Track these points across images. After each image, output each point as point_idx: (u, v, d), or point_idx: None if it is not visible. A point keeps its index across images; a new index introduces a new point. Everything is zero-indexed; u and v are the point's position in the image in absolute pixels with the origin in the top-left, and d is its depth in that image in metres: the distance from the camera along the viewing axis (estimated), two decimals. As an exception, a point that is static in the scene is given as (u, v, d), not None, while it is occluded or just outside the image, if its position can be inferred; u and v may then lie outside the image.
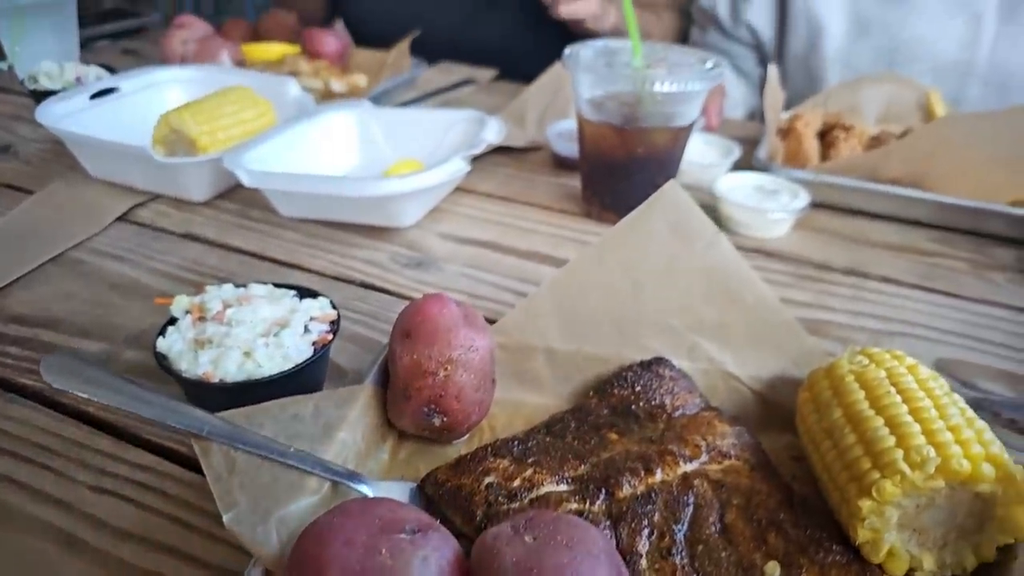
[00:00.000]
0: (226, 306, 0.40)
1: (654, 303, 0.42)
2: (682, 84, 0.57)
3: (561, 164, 0.74)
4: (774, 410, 0.41)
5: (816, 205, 0.67)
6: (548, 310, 0.42)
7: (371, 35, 1.17)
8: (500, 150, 0.76)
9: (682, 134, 0.61)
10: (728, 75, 1.07)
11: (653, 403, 0.39)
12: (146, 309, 0.49)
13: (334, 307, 0.42)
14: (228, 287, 0.42)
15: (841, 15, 0.96)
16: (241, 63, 0.84)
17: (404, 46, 0.90)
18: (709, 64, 0.60)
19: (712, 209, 0.65)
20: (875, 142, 0.72)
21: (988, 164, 0.61)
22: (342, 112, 0.68)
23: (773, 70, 0.75)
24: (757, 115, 1.09)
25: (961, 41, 0.90)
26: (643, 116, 0.59)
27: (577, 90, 0.60)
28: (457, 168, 0.56)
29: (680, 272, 0.42)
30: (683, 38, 1.18)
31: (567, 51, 0.61)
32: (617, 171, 0.62)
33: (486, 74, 1.02)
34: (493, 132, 0.62)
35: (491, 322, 0.46)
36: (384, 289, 0.53)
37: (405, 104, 0.87)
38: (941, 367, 0.48)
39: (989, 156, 0.61)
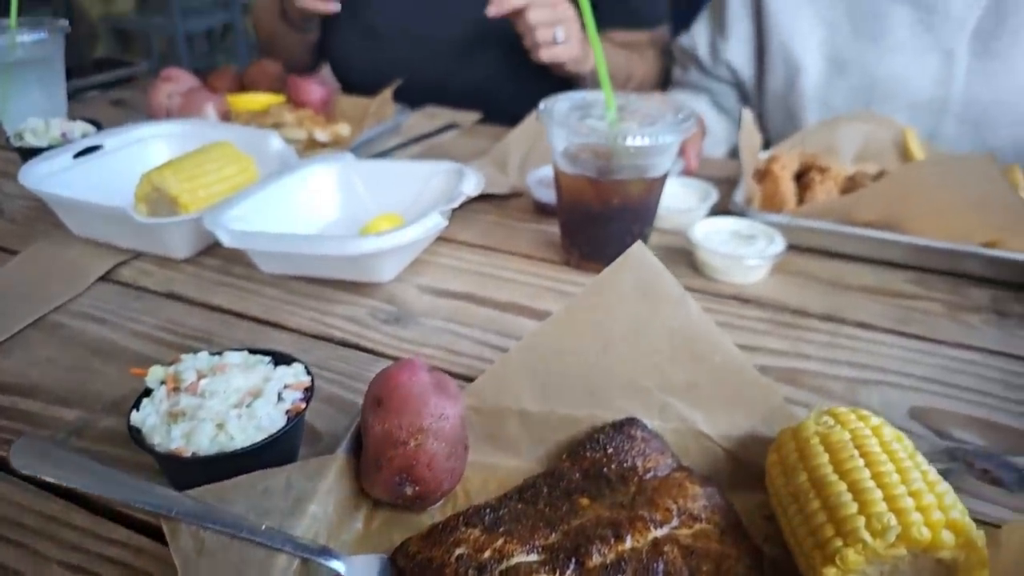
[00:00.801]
0: (200, 376, 0.40)
1: (625, 364, 0.42)
2: (653, 138, 0.58)
3: (542, 210, 0.75)
4: (745, 469, 0.41)
5: (793, 248, 0.68)
6: (521, 372, 0.43)
7: (357, 79, 1.19)
8: (482, 197, 0.77)
9: (656, 184, 0.62)
10: (709, 112, 1.08)
11: (625, 465, 0.40)
12: (125, 374, 0.49)
13: (308, 373, 0.42)
14: (203, 355, 0.42)
15: (818, 54, 0.98)
16: (227, 114, 0.85)
17: (387, 94, 0.92)
18: (680, 116, 0.61)
19: (690, 255, 0.66)
20: (851, 183, 0.73)
21: (959, 207, 0.62)
22: (323, 166, 0.69)
23: (748, 114, 0.76)
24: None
25: (935, 78, 0.91)
26: (617, 168, 0.60)
27: (552, 143, 0.61)
28: (434, 224, 0.57)
29: (649, 333, 0.42)
30: (666, 76, 1.20)
31: (542, 105, 0.62)
32: (594, 221, 0.63)
33: (470, 117, 1.03)
34: (471, 184, 0.63)
35: (467, 380, 0.47)
36: (362, 347, 0.54)
37: (390, 151, 0.89)
38: (915, 416, 0.49)
39: (959, 200, 0.62)
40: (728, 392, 0.42)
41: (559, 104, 0.63)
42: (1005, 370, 0.54)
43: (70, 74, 0.96)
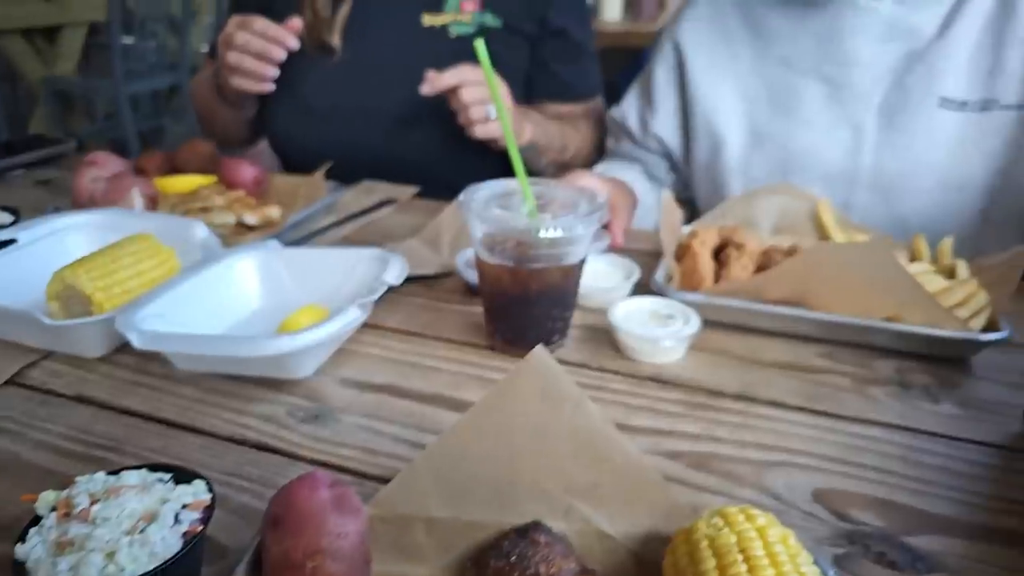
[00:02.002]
0: (93, 501, 0.39)
1: (529, 467, 0.43)
2: (567, 230, 0.60)
3: (471, 291, 0.76)
4: (648, 568, 0.42)
5: (712, 325, 0.70)
6: (427, 479, 0.43)
7: (296, 156, 1.20)
8: (412, 278, 0.77)
9: (574, 269, 0.64)
10: (642, 182, 1.12)
11: (528, 572, 0.40)
12: (20, 493, 0.48)
13: (209, 490, 0.42)
14: (99, 477, 0.41)
15: (738, 127, 1.03)
16: (155, 198, 0.85)
17: (318, 175, 0.93)
18: (592, 206, 0.63)
19: (613, 335, 0.67)
20: (765, 258, 0.76)
21: (859, 286, 0.65)
22: (246, 256, 0.69)
23: (667, 193, 0.79)
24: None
25: (846, 150, 0.96)
26: (534, 257, 0.61)
27: (471, 232, 0.63)
28: (352, 318, 0.58)
29: (551, 436, 0.43)
30: (602, 146, 1.24)
31: (461, 196, 0.64)
32: (515, 307, 0.64)
33: (407, 192, 1.05)
34: (393, 273, 0.64)
35: (383, 481, 0.47)
36: (277, 449, 0.53)
37: (323, 230, 0.89)
38: (818, 498, 0.50)
39: (858, 280, 0.65)
40: (630, 491, 0.43)
41: (479, 194, 0.65)
42: (905, 445, 0.56)
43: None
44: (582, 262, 0.65)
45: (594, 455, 0.43)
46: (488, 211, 0.61)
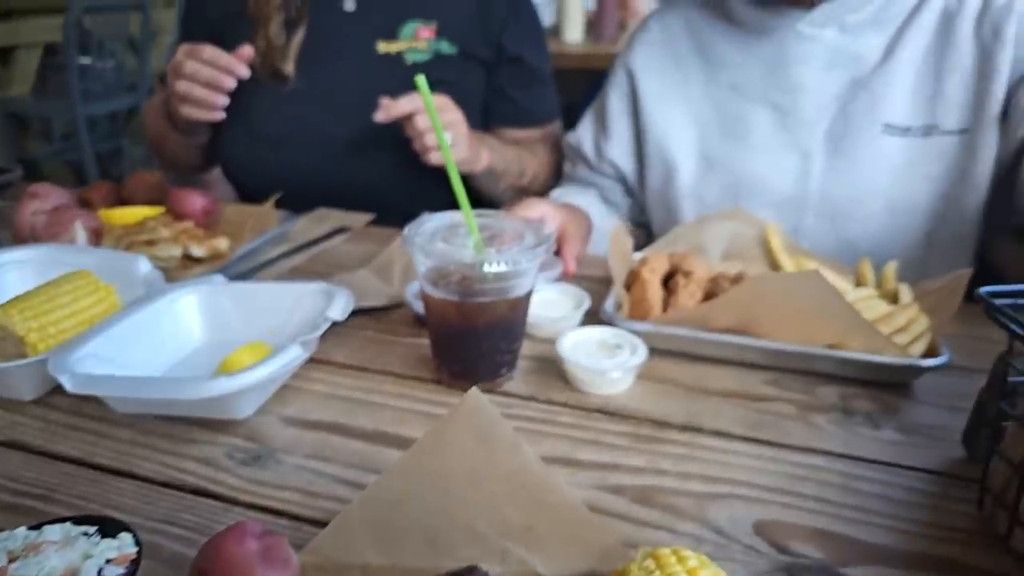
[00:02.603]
0: (11, 559, 0.38)
1: (464, 511, 0.43)
2: (513, 263, 0.60)
3: (420, 323, 0.76)
4: (585, 612, 0.42)
5: (660, 353, 0.71)
6: (362, 525, 0.43)
7: (251, 183, 1.19)
8: (361, 309, 0.77)
9: (521, 302, 0.64)
10: (598, 207, 1.13)
11: (463, 619, 0.40)
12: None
13: (137, 543, 0.41)
14: (19, 532, 0.40)
15: (690, 153, 1.04)
16: (99, 230, 0.84)
17: (268, 205, 0.92)
18: (538, 238, 0.63)
19: (560, 367, 0.67)
20: (713, 285, 0.77)
21: (800, 315, 0.66)
22: (189, 291, 0.68)
23: (618, 222, 0.80)
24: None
25: (794, 176, 0.98)
26: (479, 291, 0.61)
27: (416, 266, 0.63)
28: (293, 356, 0.57)
29: (486, 479, 0.43)
30: (559, 170, 1.25)
31: (406, 230, 0.64)
32: (461, 341, 0.64)
33: (362, 219, 1.04)
34: (338, 309, 0.63)
35: (322, 525, 0.46)
36: (214, 494, 0.52)
37: (273, 260, 0.88)
38: (759, 531, 0.51)
39: (799, 309, 0.66)
40: (565, 533, 0.43)
41: (423, 227, 0.64)
42: (845, 473, 0.56)
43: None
44: (529, 294, 0.65)
45: (529, 497, 0.43)
46: (432, 245, 0.61)
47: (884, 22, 0.96)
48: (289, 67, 1.13)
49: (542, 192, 1.19)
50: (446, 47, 1.18)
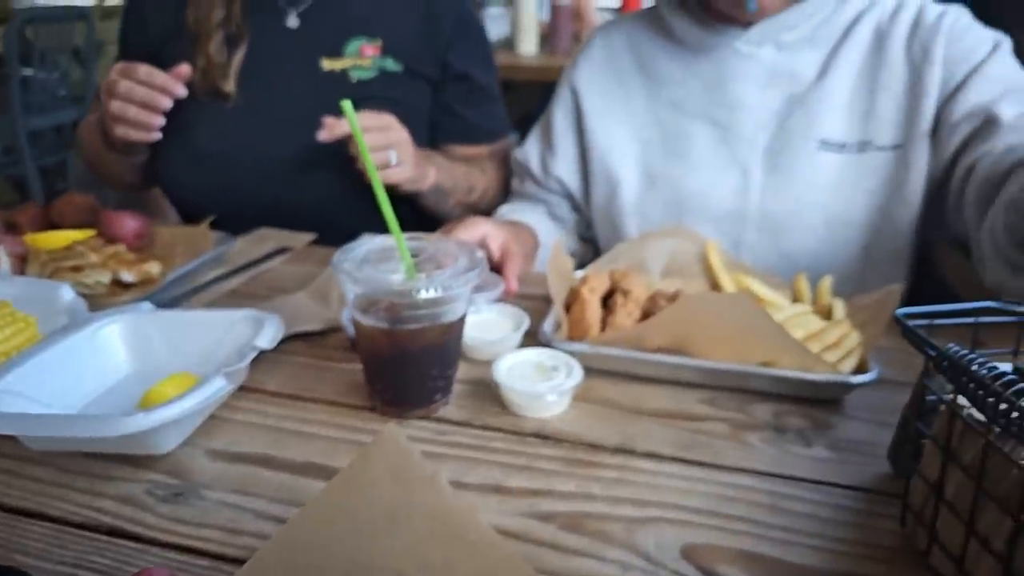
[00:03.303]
0: None
1: (382, 550, 0.42)
2: (444, 289, 0.60)
3: (356, 348, 0.75)
4: (504, 649, 0.41)
5: (597, 374, 0.71)
6: (276, 568, 0.42)
7: (192, 203, 1.17)
8: (296, 335, 0.76)
9: (453, 327, 0.64)
10: (546, 223, 1.13)
11: (378, 663, 0.39)
12: None
13: (36, 595, 0.39)
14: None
15: (633, 169, 1.05)
16: (24, 256, 0.81)
17: (203, 227, 0.90)
18: (470, 262, 0.63)
19: (497, 391, 0.67)
20: (651, 303, 0.78)
21: (732, 335, 0.67)
22: (114, 320, 0.66)
23: (555, 242, 0.79)
24: (577, 258, 1.15)
25: (734, 192, 1.00)
26: (410, 318, 0.60)
27: (345, 294, 0.62)
28: (216, 389, 0.56)
29: (403, 516, 0.42)
30: (509, 186, 1.24)
31: (335, 256, 0.63)
32: (393, 368, 0.63)
33: (304, 239, 1.03)
34: (267, 338, 0.62)
35: (243, 564, 0.45)
36: (131, 534, 0.51)
37: (208, 284, 0.86)
38: (686, 555, 0.51)
39: (730, 328, 0.66)
40: (485, 569, 0.42)
41: (353, 253, 0.64)
42: (775, 493, 0.57)
43: None
44: (462, 318, 0.64)
45: (448, 534, 0.42)
46: (361, 271, 0.60)
47: (819, 41, 0.98)
48: (230, 85, 1.11)
49: (491, 208, 1.19)
50: (391, 65, 1.17)
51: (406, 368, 0.62)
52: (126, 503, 0.53)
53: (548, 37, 2.50)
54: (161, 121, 1.00)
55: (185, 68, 1.02)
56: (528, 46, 2.47)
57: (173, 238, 0.91)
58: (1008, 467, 0.43)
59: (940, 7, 0.97)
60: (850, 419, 0.67)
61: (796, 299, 0.83)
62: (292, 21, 1.16)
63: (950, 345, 0.46)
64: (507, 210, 1.14)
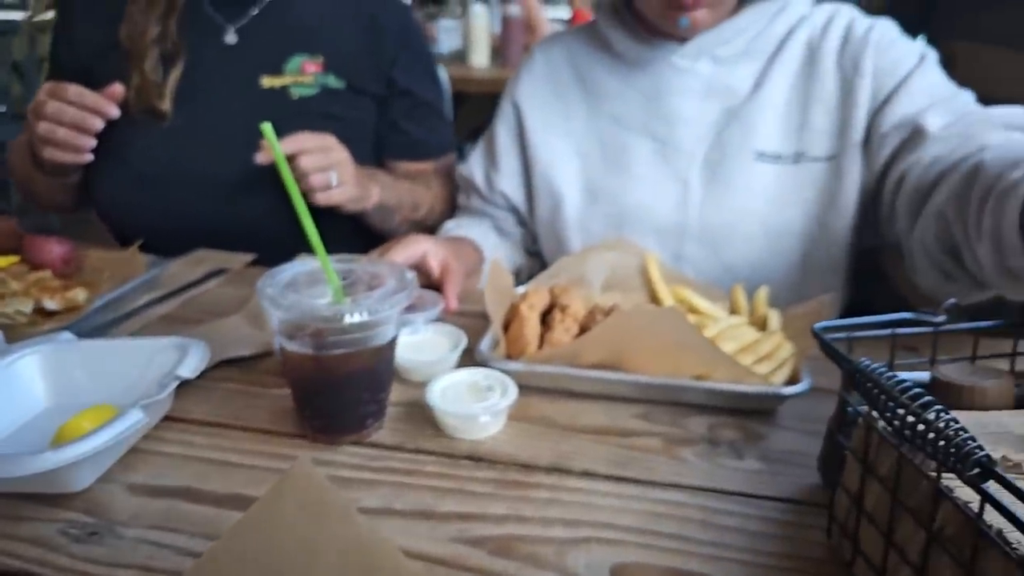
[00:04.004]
0: None
1: (294, 587, 0.41)
2: (373, 312, 0.59)
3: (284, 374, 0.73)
4: None
5: (534, 391, 0.70)
6: (183, 610, 0.40)
7: (130, 225, 1.14)
8: (229, 360, 0.74)
9: (383, 351, 0.63)
10: (493, 238, 1.13)
11: None
12: None
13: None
14: None
15: (575, 184, 1.06)
16: (-58, 286, 0.78)
17: (132, 250, 0.88)
18: (400, 283, 0.62)
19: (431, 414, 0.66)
20: (589, 318, 0.78)
21: (664, 350, 0.67)
22: (33, 351, 0.64)
23: (494, 260, 0.79)
24: (523, 272, 1.15)
25: (674, 204, 1.01)
26: (337, 343, 0.59)
27: (270, 320, 0.61)
28: (133, 422, 0.54)
29: (317, 551, 0.41)
30: (454, 202, 1.24)
31: (259, 282, 0.61)
32: (323, 395, 0.62)
33: (242, 259, 1.01)
34: (190, 367, 0.61)
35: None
36: (40, 578, 0.49)
37: (138, 309, 0.84)
38: (616, 575, 0.50)
39: (662, 343, 0.67)
40: (401, 603, 0.41)
41: (278, 278, 0.62)
42: (706, 508, 0.57)
43: None
44: (393, 340, 0.64)
45: (362, 566, 0.41)
46: (286, 297, 0.59)
47: (754, 54, 1.00)
48: (165, 104, 1.09)
49: (438, 224, 1.18)
50: (333, 81, 1.16)
51: (336, 394, 0.61)
52: (37, 544, 0.51)
53: (500, 50, 2.51)
54: (92, 143, 0.97)
55: (118, 87, 1.00)
56: (480, 58, 2.48)
57: (104, 263, 0.88)
58: (919, 479, 0.43)
59: (869, 21, 0.99)
60: (783, 430, 0.68)
61: (733, 310, 0.84)
62: (230, 38, 1.14)
63: (862, 359, 0.47)
64: (453, 225, 1.13)
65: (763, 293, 0.84)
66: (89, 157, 0.98)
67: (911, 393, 0.42)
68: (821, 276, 1.00)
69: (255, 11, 1.15)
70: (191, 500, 0.56)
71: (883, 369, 0.45)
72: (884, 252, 1.07)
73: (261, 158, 0.95)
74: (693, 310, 0.82)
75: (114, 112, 0.97)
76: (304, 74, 1.15)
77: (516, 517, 0.56)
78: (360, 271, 0.64)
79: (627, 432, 0.66)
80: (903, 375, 0.56)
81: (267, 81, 1.14)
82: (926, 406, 0.41)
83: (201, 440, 0.64)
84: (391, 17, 1.21)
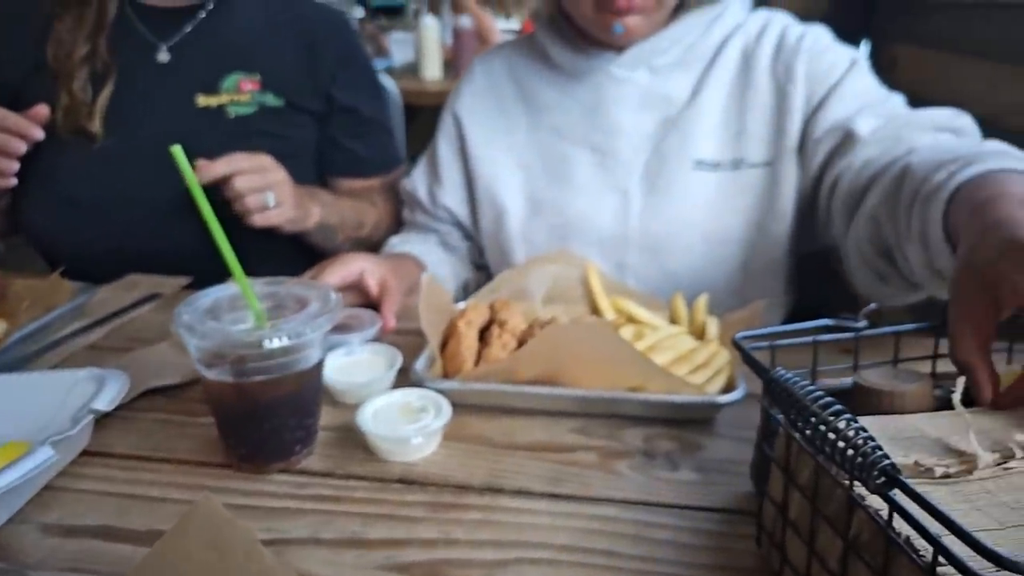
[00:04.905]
0: None
1: (198, 629, 0.39)
2: (295, 336, 0.57)
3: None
4: None
5: (471, 409, 0.70)
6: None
7: (62, 251, 1.10)
8: (155, 389, 0.72)
9: (308, 375, 0.61)
10: (439, 252, 1.12)
11: None
12: None
13: None
14: None
15: (518, 197, 1.05)
16: None
17: (54, 277, 0.85)
18: (324, 306, 0.61)
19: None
20: (528, 333, 0.77)
21: (601, 361, 0.67)
22: (-61, 390, 0.61)
23: (426, 277, 0.78)
24: (471, 286, 1.14)
25: (615, 215, 1.01)
26: (261, 369, 0.58)
27: (188, 349, 0.59)
28: (41, 460, 0.52)
29: (221, 591, 0.40)
30: (401, 218, 1.23)
31: (176, 309, 0.60)
32: (246, 423, 0.60)
33: (177, 284, 0.99)
34: (106, 399, 0.59)
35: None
36: (-64, 631, 0.46)
37: (64, 339, 0.81)
38: (545, 597, 0.50)
39: (596, 356, 0.66)
40: (312, 640, 0.40)
41: (197, 304, 0.61)
42: (638, 521, 0.57)
43: None
44: (319, 364, 0.62)
45: (271, 605, 0.40)
46: (203, 324, 0.57)
47: (690, 63, 1.01)
48: (95, 125, 1.06)
49: (385, 241, 1.17)
50: (271, 99, 1.14)
51: (259, 422, 0.59)
52: (-64, 595, 0.49)
53: (452, 61, 2.51)
54: (16, 166, 0.94)
55: (42, 109, 0.97)
56: (432, 71, 2.47)
57: (29, 292, 0.85)
58: (835, 488, 0.43)
59: (801, 28, 1.01)
60: (720, 438, 0.68)
61: (673, 319, 0.85)
62: (163, 56, 1.12)
63: (777, 368, 0.47)
64: (398, 241, 1.12)
65: (702, 301, 0.85)
66: (13, 181, 0.95)
67: (821, 402, 0.42)
68: (762, 281, 1.01)
69: (188, 28, 1.13)
70: (108, 539, 0.54)
71: (796, 378, 0.45)
72: (832, 255, 1.08)
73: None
74: (633, 320, 0.82)
75: (38, 134, 0.94)
76: (241, 92, 1.13)
77: (446, 541, 0.55)
78: (284, 294, 0.63)
79: (564, 447, 0.66)
80: (826, 383, 0.56)
81: (203, 100, 1.11)
82: (836, 414, 0.41)
83: (122, 475, 0.61)
84: (329, 33, 1.20)
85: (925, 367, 0.58)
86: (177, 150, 0.58)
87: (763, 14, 1.04)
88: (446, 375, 0.73)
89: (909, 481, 0.42)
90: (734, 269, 1.01)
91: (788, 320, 0.97)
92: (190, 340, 0.57)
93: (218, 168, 0.95)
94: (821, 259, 1.03)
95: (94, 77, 1.08)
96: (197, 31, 1.13)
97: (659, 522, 0.57)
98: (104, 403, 0.58)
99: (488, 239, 1.09)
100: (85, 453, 0.62)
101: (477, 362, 0.74)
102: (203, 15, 1.14)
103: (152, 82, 1.11)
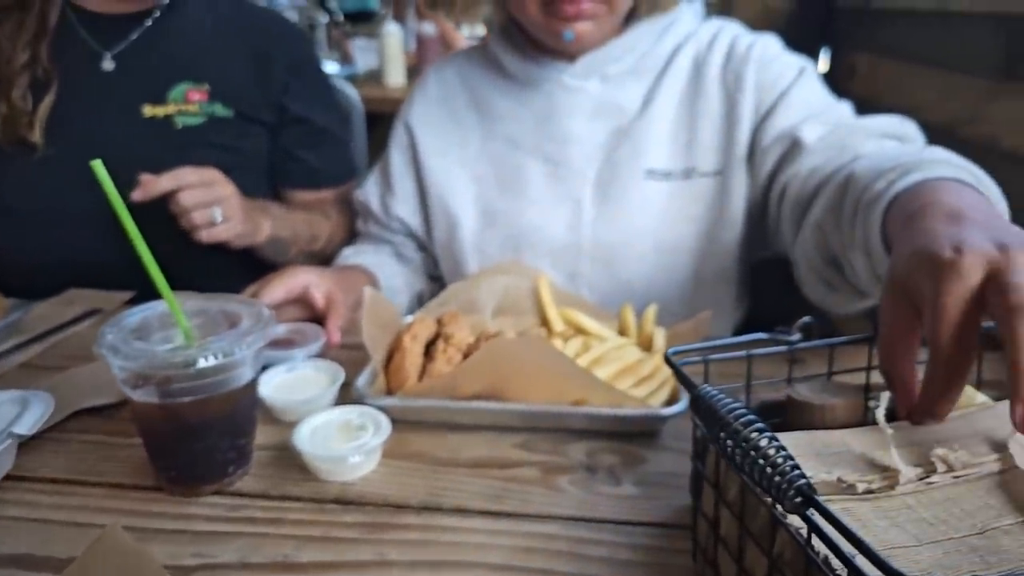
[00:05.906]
0: None
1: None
2: (225, 355, 0.56)
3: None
4: None
5: (413, 426, 0.69)
6: None
7: (1, 264, 1.07)
8: (89, 409, 0.70)
9: (239, 394, 0.60)
10: (392, 264, 1.10)
11: None
12: None
13: None
14: None
15: (471, 208, 1.05)
16: None
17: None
18: (255, 323, 0.60)
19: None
20: (475, 347, 0.76)
21: (542, 376, 0.66)
22: None
23: (370, 291, 0.77)
24: (425, 297, 1.13)
25: (568, 225, 1.01)
26: (189, 390, 0.56)
27: (112, 370, 0.57)
28: (-48, 490, 0.50)
29: (127, 627, 0.38)
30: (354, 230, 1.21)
31: (100, 329, 0.58)
32: (175, 445, 0.58)
33: (119, 299, 0.96)
34: (27, 423, 0.57)
35: None
36: None
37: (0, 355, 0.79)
38: (478, 620, 0.49)
39: (537, 370, 0.66)
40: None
41: (122, 323, 0.59)
42: (576, 538, 0.56)
43: None
44: (252, 383, 0.61)
45: (180, 640, 0.39)
46: (128, 345, 0.56)
47: (642, 72, 1.01)
48: (36, 134, 1.03)
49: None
50: (220, 110, 1.12)
51: (189, 443, 0.58)
52: None
53: (414, 70, 2.50)
54: (-50, 179, 0.91)
55: (-23, 120, 0.94)
56: (396, 77, 2.46)
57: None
58: (759, 506, 0.43)
59: (751, 37, 1.01)
60: (663, 451, 0.67)
61: (622, 330, 0.84)
62: (107, 64, 1.09)
63: (703, 385, 0.46)
64: (351, 252, 1.11)
65: (651, 312, 0.84)
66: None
67: (743, 419, 0.42)
68: (713, 289, 1.01)
69: (134, 36, 1.11)
70: (28, 568, 0.52)
71: (720, 395, 0.44)
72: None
73: (137, 196, 0.91)
74: (581, 331, 0.82)
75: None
76: (189, 103, 1.11)
77: (380, 562, 0.54)
78: (214, 311, 0.61)
79: (506, 463, 0.65)
80: (767, 397, 0.56)
81: (149, 110, 1.09)
82: (758, 432, 0.41)
83: (46, 500, 0.59)
84: (280, 42, 1.18)
85: (862, 379, 0.59)
86: (97, 164, 0.56)
87: (714, 23, 1.05)
88: (390, 391, 0.72)
89: (833, 498, 0.43)
90: (686, 278, 1.01)
91: (741, 330, 0.97)
92: (113, 360, 0.55)
93: (163, 183, 0.93)
94: (781, 268, 1.04)
95: (35, 85, 1.05)
96: (144, 39, 1.11)
97: (597, 538, 0.56)
98: (25, 427, 0.56)
99: (441, 250, 1.08)
100: (8, 477, 0.60)
101: (421, 377, 0.73)
102: (150, 23, 1.11)
103: (96, 91, 1.08)
